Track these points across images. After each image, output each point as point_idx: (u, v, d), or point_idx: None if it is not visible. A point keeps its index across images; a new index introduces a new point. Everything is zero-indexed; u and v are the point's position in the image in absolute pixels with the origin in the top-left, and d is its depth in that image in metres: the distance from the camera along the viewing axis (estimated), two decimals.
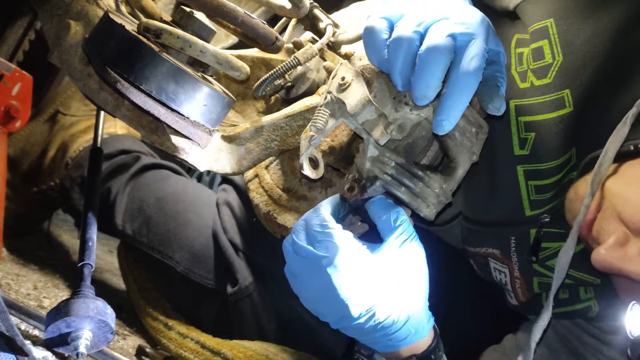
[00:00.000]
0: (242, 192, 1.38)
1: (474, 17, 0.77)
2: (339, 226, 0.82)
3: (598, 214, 0.88)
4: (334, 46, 0.99)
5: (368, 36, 0.79)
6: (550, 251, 1.02)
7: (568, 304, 1.05)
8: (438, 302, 0.87)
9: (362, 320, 0.80)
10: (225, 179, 1.45)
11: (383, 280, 0.81)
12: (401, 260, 0.82)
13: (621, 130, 0.87)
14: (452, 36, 0.75)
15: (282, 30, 1.05)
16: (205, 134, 0.85)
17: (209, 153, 0.89)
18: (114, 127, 1.56)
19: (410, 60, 0.76)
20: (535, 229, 1.00)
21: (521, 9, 0.99)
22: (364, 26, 0.80)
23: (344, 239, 0.80)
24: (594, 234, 0.88)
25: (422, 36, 0.76)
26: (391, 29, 0.78)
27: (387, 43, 0.78)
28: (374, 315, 0.80)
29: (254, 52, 1.07)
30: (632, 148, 0.87)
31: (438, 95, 0.78)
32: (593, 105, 0.94)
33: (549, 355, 1.10)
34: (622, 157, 0.89)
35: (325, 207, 0.83)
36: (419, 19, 0.77)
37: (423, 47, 0.75)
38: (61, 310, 0.90)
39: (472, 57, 0.75)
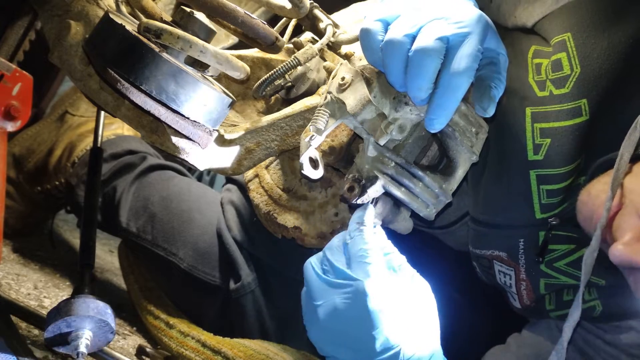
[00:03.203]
0: (246, 191, 1.39)
1: (470, 16, 0.77)
2: (380, 252, 0.81)
3: (618, 212, 0.90)
4: (334, 46, 0.99)
5: (364, 38, 0.80)
6: (558, 253, 1.04)
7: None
8: (440, 305, 0.88)
9: (385, 356, 0.78)
10: (230, 179, 1.46)
11: (409, 316, 0.79)
12: (417, 295, 0.82)
13: (633, 135, 0.90)
14: (443, 38, 0.75)
15: (282, 31, 1.05)
16: (206, 134, 0.85)
17: (209, 153, 0.89)
18: (121, 128, 1.57)
19: (402, 63, 0.77)
20: (544, 231, 1.02)
21: (540, 26, 1.02)
22: (360, 27, 0.80)
23: (381, 267, 0.80)
24: (613, 230, 0.90)
25: (414, 38, 0.76)
26: (386, 30, 0.79)
27: (381, 45, 0.78)
28: (399, 352, 0.78)
29: (254, 52, 1.07)
30: None
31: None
32: (607, 113, 0.97)
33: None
34: (634, 160, 0.92)
35: (368, 230, 0.82)
36: (412, 20, 0.77)
37: (412, 50, 0.75)
38: (61, 310, 0.90)
39: (463, 57, 0.75)
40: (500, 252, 1.08)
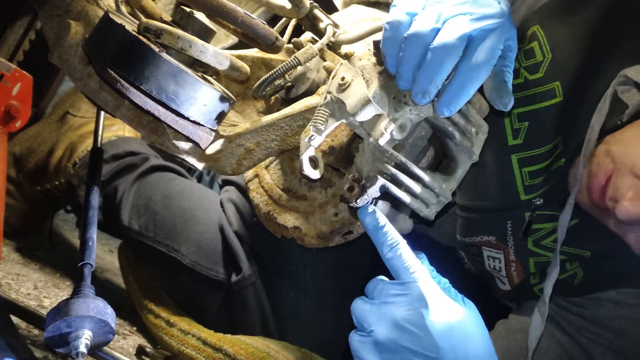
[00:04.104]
0: (244, 191, 1.40)
1: (494, 10, 0.78)
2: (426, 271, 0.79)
3: (612, 177, 0.98)
4: (334, 46, 0.99)
5: (391, 30, 0.79)
6: (544, 232, 1.11)
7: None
8: None
9: None
10: (227, 181, 1.47)
11: (470, 330, 0.78)
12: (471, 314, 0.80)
13: (602, 108, 1.00)
14: (465, 36, 0.76)
15: (282, 31, 1.05)
16: (205, 134, 0.85)
17: (209, 153, 0.89)
18: (122, 129, 1.57)
19: (420, 57, 0.77)
20: (529, 212, 1.09)
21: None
22: (387, 18, 0.80)
23: (431, 282, 0.78)
24: (611, 194, 0.98)
25: (438, 31, 0.77)
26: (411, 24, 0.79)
27: (405, 35, 0.78)
28: None
29: (254, 52, 1.07)
30: (618, 122, 1.01)
31: (437, 95, 0.79)
32: (579, 93, 1.04)
33: (546, 333, 1.16)
34: (611, 131, 1.01)
35: (405, 248, 0.80)
36: (437, 14, 0.77)
37: (434, 44, 0.76)
38: (61, 310, 0.90)
39: (484, 51, 0.76)
40: (489, 236, 1.14)
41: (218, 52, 0.84)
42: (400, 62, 0.79)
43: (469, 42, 0.76)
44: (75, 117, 1.58)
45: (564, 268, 1.12)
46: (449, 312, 0.76)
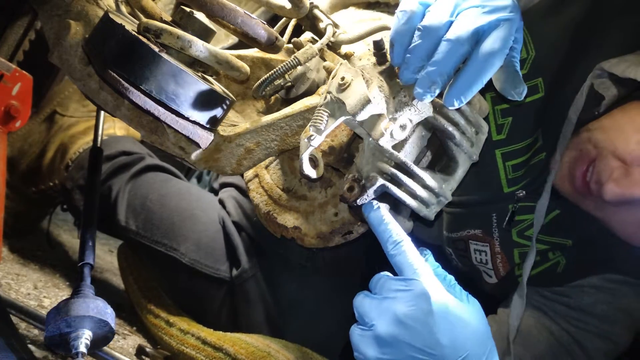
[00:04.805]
0: (244, 192, 1.40)
1: (506, 3, 0.79)
2: (428, 267, 0.79)
3: (595, 162, 1.03)
4: (334, 46, 0.99)
5: (403, 20, 0.79)
6: (527, 223, 1.15)
7: (538, 265, 1.17)
8: None
9: None
10: (225, 184, 1.47)
11: (472, 328, 0.78)
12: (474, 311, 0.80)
13: (579, 100, 1.05)
14: (478, 29, 0.76)
15: (282, 31, 1.06)
16: (205, 133, 0.85)
17: (209, 153, 0.89)
18: (112, 128, 1.56)
19: (430, 50, 0.78)
20: (512, 204, 1.13)
21: None
22: (401, 7, 0.80)
23: (434, 279, 0.78)
24: (596, 177, 1.03)
25: (452, 24, 0.77)
26: (424, 15, 0.79)
27: (419, 26, 0.78)
28: None
29: (254, 52, 1.07)
30: (596, 113, 1.06)
31: (441, 94, 0.80)
32: (557, 89, 1.08)
33: (535, 322, 1.21)
34: (589, 122, 1.07)
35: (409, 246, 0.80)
36: (451, 5, 0.78)
37: (447, 36, 0.77)
38: (61, 310, 0.90)
39: (498, 40, 0.77)
40: (476, 230, 1.18)
41: (218, 52, 0.84)
42: (410, 52, 0.79)
43: (482, 34, 0.77)
44: (64, 117, 1.56)
45: (547, 257, 1.16)
46: (451, 309, 0.76)
